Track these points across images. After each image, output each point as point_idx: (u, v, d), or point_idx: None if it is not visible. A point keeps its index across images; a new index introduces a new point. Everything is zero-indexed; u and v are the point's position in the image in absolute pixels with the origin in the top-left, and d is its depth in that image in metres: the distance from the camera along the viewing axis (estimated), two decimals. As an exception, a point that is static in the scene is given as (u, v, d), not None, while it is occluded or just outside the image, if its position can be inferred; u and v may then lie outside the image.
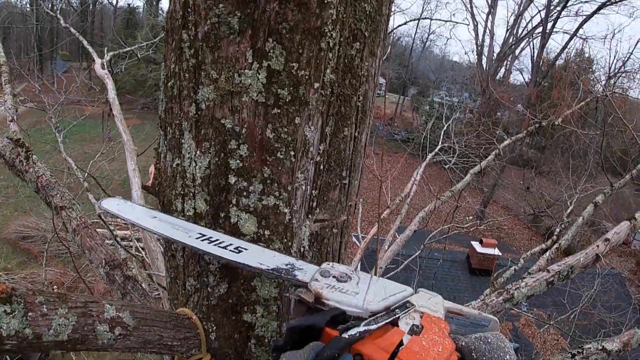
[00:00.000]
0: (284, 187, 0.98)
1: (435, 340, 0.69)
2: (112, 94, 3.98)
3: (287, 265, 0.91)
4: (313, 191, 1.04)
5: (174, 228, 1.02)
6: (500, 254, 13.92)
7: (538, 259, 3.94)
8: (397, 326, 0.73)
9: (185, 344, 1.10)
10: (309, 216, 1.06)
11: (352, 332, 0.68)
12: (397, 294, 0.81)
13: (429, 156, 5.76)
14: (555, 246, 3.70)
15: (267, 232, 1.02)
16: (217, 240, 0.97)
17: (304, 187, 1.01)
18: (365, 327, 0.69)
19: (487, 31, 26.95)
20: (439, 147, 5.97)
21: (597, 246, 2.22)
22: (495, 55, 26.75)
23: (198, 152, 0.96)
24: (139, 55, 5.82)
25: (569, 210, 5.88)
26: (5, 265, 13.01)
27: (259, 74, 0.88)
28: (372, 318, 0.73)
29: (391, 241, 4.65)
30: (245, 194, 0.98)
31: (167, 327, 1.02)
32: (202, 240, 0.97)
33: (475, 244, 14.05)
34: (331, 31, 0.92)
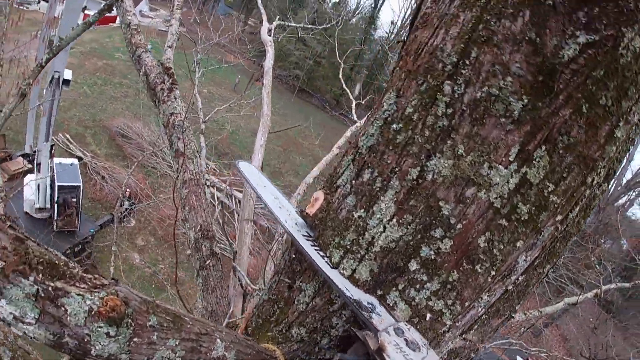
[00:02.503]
0: (461, 300, 0.83)
1: None
2: (269, 62, 3.98)
3: (369, 304, 0.85)
4: (483, 315, 0.88)
5: (288, 215, 1.00)
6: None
7: None
8: None
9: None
10: (462, 335, 0.90)
11: None
12: None
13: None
14: None
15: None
16: (320, 248, 0.94)
17: (479, 310, 0.85)
18: None
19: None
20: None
21: None
22: (624, 181, 24.20)
23: (394, 220, 0.83)
24: (299, 34, 5.97)
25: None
26: (96, 150, 14.23)
27: (512, 177, 0.74)
28: None
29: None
30: (417, 286, 0.84)
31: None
32: (307, 240, 0.94)
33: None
34: (602, 168, 0.75)
